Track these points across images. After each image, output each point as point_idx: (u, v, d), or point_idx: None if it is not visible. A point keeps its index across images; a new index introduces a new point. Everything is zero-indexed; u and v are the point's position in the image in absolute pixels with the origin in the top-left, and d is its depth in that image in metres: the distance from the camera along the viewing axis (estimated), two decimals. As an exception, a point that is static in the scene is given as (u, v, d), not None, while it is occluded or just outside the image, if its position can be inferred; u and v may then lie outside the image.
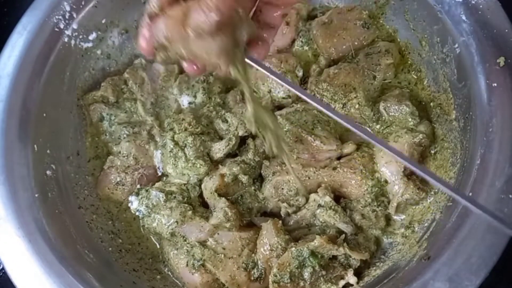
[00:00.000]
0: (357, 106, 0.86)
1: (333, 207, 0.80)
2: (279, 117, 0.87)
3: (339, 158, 0.85)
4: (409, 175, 0.82)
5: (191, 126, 0.86)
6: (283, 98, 0.92)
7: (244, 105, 0.89)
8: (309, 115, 0.87)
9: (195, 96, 0.95)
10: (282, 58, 0.93)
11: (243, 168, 0.84)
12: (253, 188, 0.85)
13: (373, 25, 0.95)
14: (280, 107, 0.93)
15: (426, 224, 0.79)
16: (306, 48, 0.97)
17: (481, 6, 0.78)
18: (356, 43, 0.94)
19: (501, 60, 0.75)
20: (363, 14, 0.95)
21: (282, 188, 0.83)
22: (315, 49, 0.96)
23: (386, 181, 0.82)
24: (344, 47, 0.94)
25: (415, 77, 0.92)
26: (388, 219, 0.83)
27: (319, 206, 0.81)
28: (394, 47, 0.93)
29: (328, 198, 0.80)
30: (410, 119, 0.85)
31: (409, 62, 0.93)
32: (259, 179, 0.87)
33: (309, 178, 0.83)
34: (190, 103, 0.95)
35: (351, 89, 0.87)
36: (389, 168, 0.81)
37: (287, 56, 0.94)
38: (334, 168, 0.83)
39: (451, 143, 0.82)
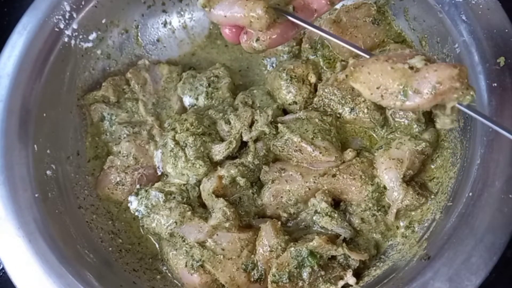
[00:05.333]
0: (365, 110, 0.85)
1: (329, 213, 0.80)
2: (280, 124, 0.86)
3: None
4: (408, 181, 0.81)
5: (193, 127, 0.86)
6: (290, 104, 0.91)
7: (249, 109, 0.89)
8: (311, 123, 0.85)
9: (196, 99, 0.95)
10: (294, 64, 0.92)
11: (241, 171, 0.84)
12: (251, 191, 0.85)
13: (382, 21, 0.94)
14: (285, 112, 0.92)
15: (426, 224, 0.79)
16: (316, 56, 0.95)
17: (481, 6, 0.78)
18: (368, 42, 0.92)
19: (501, 60, 0.75)
20: (372, 10, 0.93)
21: (282, 197, 0.83)
22: (326, 56, 0.95)
23: (385, 187, 0.82)
24: (356, 45, 0.92)
25: None
26: (387, 223, 0.83)
27: (316, 212, 0.81)
28: (405, 49, 0.91)
29: (324, 205, 0.80)
30: (415, 126, 0.84)
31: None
32: (257, 183, 0.86)
33: (309, 189, 0.82)
34: (190, 105, 0.95)
35: (359, 93, 0.86)
36: (388, 174, 0.81)
37: (296, 64, 0.93)
38: (334, 175, 0.82)
39: (451, 143, 0.82)
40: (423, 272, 0.67)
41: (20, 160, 0.79)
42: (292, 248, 0.75)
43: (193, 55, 1.04)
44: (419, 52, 0.56)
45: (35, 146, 0.82)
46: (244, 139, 0.87)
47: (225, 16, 0.62)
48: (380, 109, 0.86)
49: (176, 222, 0.81)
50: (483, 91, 0.75)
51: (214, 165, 0.86)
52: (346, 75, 0.62)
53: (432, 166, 0.85)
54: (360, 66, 0.59)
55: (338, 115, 0.88)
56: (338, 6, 0.98)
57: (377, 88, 0.54)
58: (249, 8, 0.60)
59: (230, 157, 0.87)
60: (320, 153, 0.82)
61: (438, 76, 0.51)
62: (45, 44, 0.86)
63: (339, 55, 0.93)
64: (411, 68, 0.53)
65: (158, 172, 0.90)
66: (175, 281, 0.83)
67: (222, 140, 0.88)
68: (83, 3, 0.90)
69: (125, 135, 0.91)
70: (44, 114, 0.85)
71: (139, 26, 1.00)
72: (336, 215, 0.80)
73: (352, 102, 0.86)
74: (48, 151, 0.84)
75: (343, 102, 0.87)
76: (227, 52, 1.03)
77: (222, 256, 0.78)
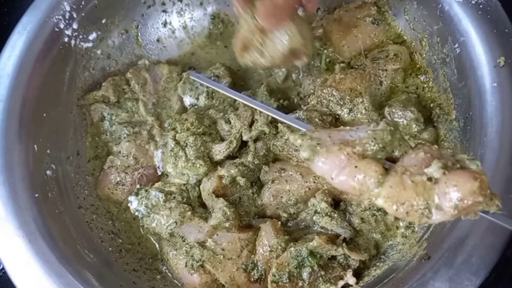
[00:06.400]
0: (363, 111, 0.85)
1: (329, 214, 0.80)
2: (281, 124, 0.86)
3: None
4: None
5: (193, 126, 0.86)
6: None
7: (249, 109, 0.89)
8: (311, 123, 0.85)
9: (197, 99, 0.95)
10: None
11: (242, 171, 0.84)
12: (251, 191, 0.85)
13: (382, 21, 0.94)
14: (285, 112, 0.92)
15: (426, 224, 0.79)
16: (321, 53, 0.95)
17: (481, 6, 0.78)
18: (367, 41, 0.92)
19: (501, 60, 0.75)
20: (372, 10, 0.93)
21: (281, 197, 0.83)
22: (328, 56, 0.95)
23: None
24: (356, 45, 0.92)
25: (425, 80, 0.90)
26: (387, 223, 0.83)
27: (316, 212, 0.81)
28: (404, 50, 0.91)
29: (324, 205, 0.80)
30: (414, 126, 0.84)
31: (417, 65, 0.91)
32: (257, 183, 0.87)
33: (309, 189, 0.82)
34: (191, 105, 0.95)
35: (357, 94, 0.86)
36: None
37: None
38: (334, 175, 0.82)
39: (451, 143, 0.82)
40: (423, 272, 0.67)
41: (20, 160, 0.79)
42: (292, 248, 0.75)
43: (193, 55, 1.04)
44: (435, 154, 0.53)
45: (35, 146, 0.82)
46: (244, 138, 0.87)
47: (332, 179, 0.55)
48: (378, 109, 0.87)
49: (176, 222, 0.81)
50: (483, 91, 0.75)
51: (214, 165, 0.86)
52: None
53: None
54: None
55: (337, 116, 0.88)
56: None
57: (402, 204, 0.51)
58: (361, 182, 0.53)
59: (230, 157, 0.87)
60: (321, 152, 0.82)
61: (459, 192, 0.48)
62: (45, 44, 0.86)
63: (338, 55, 0.93)
64: (430, 179, 0.50)
65: (158, 172, 0.90)
66: (175, 281, 0.83)
67: (222, 139, 0.88)
68: (83, 3, 0.90)
69: (125, 135, 0.91)
70: (44, 114, 0.85)
71: (139, 26, 1.00)
72: (336, 215, 0.80)
73: (351, 103, 0.86)
74: (48, 151, 0.84)
75: (341, 103, 0.87)
76: (227, 52, 1.03)
77: (222, 256, 0.78)
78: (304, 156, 0.56)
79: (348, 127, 0.59)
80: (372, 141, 0.54)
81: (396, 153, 0.55)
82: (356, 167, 0.53)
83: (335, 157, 0.54)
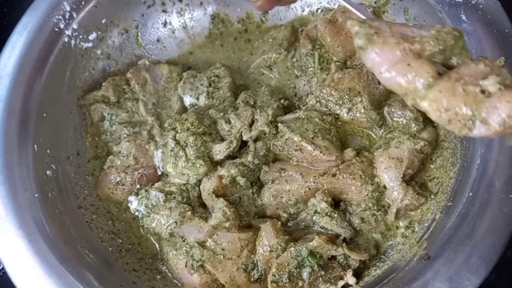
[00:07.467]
0: (362, 110, 0.85)
1: (329, 214, 0.80)
2: (280, 124, 0.87)
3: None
4: (408, 180, 0.81)
5: (193, 126, 0.86)
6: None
7: (249, 109, 0.89)
8: (311, 123, 0.85)
9: (197, 98, 0.95)
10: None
11: (242, 171, 0.84)
12: (251, 191, 0.85)
13: None
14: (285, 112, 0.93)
15: (426, 224, 0.79)
16: (313, 52, 0.95)
17: (481, 6, 0.78)
18: None
19: (501, 60, 0.75)
20: (368, 12, 0.94)
21: (282, 197, 0.83)
22: (322, 56, 0.95)
23: (385, 187, 0.82)
24: (351, 45, 0.91)
25: None
26: (387, 223, 0.83)
27: (316, 212, 0.81)
28: None
29: (324, 205, 0.80)
30: (413, 125, 0.84)
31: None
32: (257, 183, 0.86)
33: (309, 189, 0.82)
34: (191, 105, 0.95)
35: (355, 93, 0.86)
36: (388, 174, 0.81)
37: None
38: (334, 175, 0.82)
39: (451, 143, 0.82)
40: (423, 272, 0.67)
41: (20, 160, 0.79)
42: (292, 248, 0.75)
43: (191, 54, 1.04)
44: (495, 69, 0.51)
45: (35, 146, 0.82)
46: (244, 138, 0.87)
47: (380, 73, 0.53)
48: (377, 108, 0.87)
49: (176, 222, 0.81)
50: (483, 91, 0.75)
51: (214, 165, 0.86)
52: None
53: (432, 166, 0.85)
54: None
55: (336, 116, 0.88)
56: (335, 6, 0.99)
57: (447, 110, 0.50)
58: (409, 81, 0.51)
59: (230, 156, 0.87)
60: (321, 152, 0.82)
61: (511, 109, 0.47)
62: (45, 44, 0.87)
63: (333, 55, 0.93)
64: (483, 92, 0.49)
65: (158, 172, 0.90)
66: (175, 281, 0.83)
67: (222, 139, 0.88)
68: (83, 3, 0.90)
69: (125, 135, 0.91)
70: (44, 114, 0.85)
71: (139, 26, 1.00)
72: (336, 215, 0.80)
73: (349, 103, 0.86)
74: (48, 151, 0.84)
75: (340, 102, 0.87)
76: (221, 51, 1.03)
77: (222, 256, 0.78)
78: (358, 43, 0.53)
79: (412, 23, 0.57)
80: (433, 41, 0.52)
81: (454, 61, 0.53)
82: (408, 64, 0.51)
83: (390, 50, 0.52)
